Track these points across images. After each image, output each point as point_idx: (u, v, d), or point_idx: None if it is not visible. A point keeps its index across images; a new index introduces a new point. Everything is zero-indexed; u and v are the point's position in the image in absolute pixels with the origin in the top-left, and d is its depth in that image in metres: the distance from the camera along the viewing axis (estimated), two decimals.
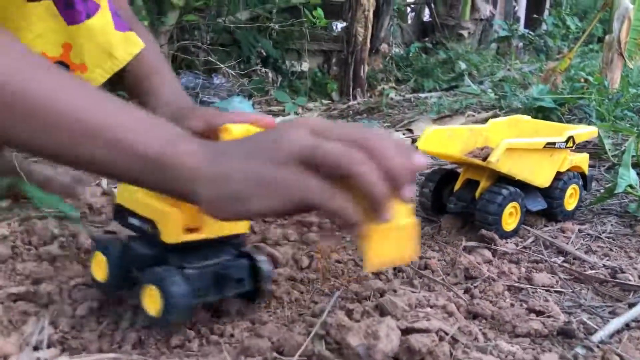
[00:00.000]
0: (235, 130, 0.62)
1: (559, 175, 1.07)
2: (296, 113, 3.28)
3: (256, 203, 0.48)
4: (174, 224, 0.64)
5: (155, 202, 0.66)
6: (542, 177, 1.04)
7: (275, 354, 0.59)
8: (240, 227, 0.71)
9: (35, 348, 0.63)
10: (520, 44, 6.56)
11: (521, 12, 7.96)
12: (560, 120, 1.97)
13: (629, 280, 0.82)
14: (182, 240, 0.64)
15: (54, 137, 0.51)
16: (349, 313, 0.73)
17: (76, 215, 0.93)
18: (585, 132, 1.09)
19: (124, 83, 0.96)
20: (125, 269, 0.67)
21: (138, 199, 0.68)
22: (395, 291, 0.76)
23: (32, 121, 0.51)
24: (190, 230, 0.65)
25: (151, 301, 0.62)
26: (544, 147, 1.01)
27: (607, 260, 0.92)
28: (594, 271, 0.87)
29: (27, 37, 0.84)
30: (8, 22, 0.82)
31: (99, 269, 0.69)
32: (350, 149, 0.46)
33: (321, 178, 0.46)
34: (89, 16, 0.88)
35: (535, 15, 6.96)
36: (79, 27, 0.87)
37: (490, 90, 3.29)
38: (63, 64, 0.86)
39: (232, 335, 0.66)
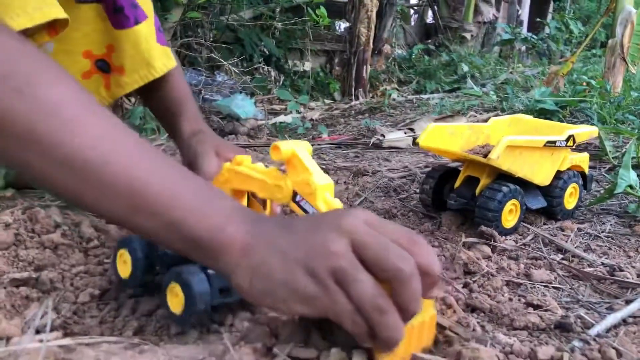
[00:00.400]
0: (284, 150, 0.64)
1: (559, 174, 1.08)
2: (298, 112, 3.29)
3: (285, 305, 0.50)
4: None
5: None
6: (542, 176, 1.05)
7: (274, 340, 0.59)
8: None
9: (37, 331, 0.64)
10: (523, 48, 6.57)
11: (524, 16, 7.97)
12: (561, 123, 1.97)
13: (627, 278, 0.83)
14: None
15: (106, 204, 0.52)
16: None
17: None
18: (585, 131, 1.09)
19: (152, 101, 1.00)
20: (149, 267, 0.68)
21: None
22: None
23: (84, 182, 0.51)
24: None
25: (174, 299, 0.62)
26: (545, 145, 1.01)
27: (606, 258, 0.92)
28: (592, 269, 0.88)
29: (74, 35, 0.87)
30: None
31: (124, 266, 0.69)
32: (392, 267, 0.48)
33: (349, 299, 0.48)
34: (137, 22, 0.92)
35: (538, 19, 6.97)
36: (126, 32, 0.91)
37: (492, 92, 3.30)
38: (105, 62, 0.90)
39: (232, 325, 0.67)
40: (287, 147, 0.65)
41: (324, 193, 0.63)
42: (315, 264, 0.48)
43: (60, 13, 0.75)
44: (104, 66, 0.91)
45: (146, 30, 0.93)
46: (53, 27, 0.78)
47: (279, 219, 0.57)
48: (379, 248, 0.49)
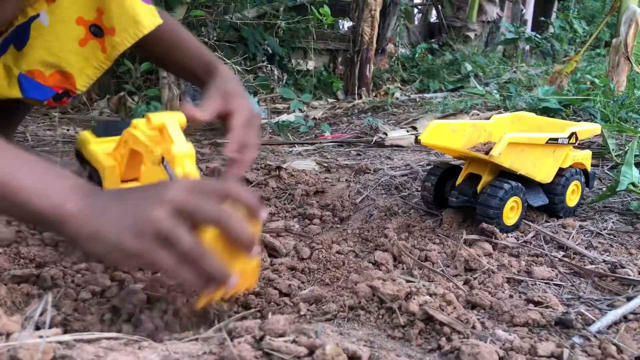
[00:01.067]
0: (154, 121, 0.77)
1: (561, 172, 1.07)
2: (301, 110, 3.29)
3: (121, 263, 0.68)
4: (111, 176, 0.86)
5: (100, 156, 0.87)
6: (544, 173, 1.04)
7: (262, 332, 0.59)
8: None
9: (37, 328, 0.64)
10: (527, 47, 6.55)
11: (528, 15, 7.95)
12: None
13: (629, 275, 0.82)
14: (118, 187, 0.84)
15: None
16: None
17: None
18: (588, 128, 1.09)
19: (153, 55, 1.06)
20: None
21: (90, 151, 0.90)
22: (394, 280, 0.76)
23: None
24: (128, 180, 0.86)
25: None
26: (547, 142, 1.01)
27: (608, 255, 0.92)
28: (593, 266, 0.87)
29: (64, 4, 0.90)
30: None
31: None
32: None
33: (172, 252, 0.60)
34: None
35: (542, 19, 6.95)
36: None
37: (495, 91, 3.29)
38: (97, 27, 0.91)
39: (229, 316, 0.67)
40: (158, 118, 0.77)
41: (183, 161, 0.75)
42: (140, 229, 0.60)
43: None
44: (97, 31, 0.92)
45: None
46: None
47: (112, 192, 0.69)
48: (195, 208, 0.61)
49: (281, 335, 0.60)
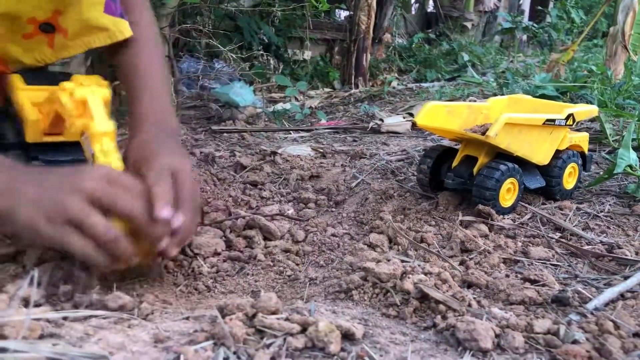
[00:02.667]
0: (77, 95, 0.76)
1: (558, 154, 1.06)
2: (297, 99, 3.27)
3: (32, 243, 0.69)
4: (34, 130, 0.84)
5: (26, 107, 0.83)
6: (541, 155, 1.03)
7: (254, 310, 0.58)
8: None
9: (25, 306, 0.63)
10: (524, 37, 6.54)
11: (526, 5, 7.92)
12: None
13: (626, 255, 0.81)
14: (40, 141, 0.83)
15: None
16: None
17: None
18: (585, 110, 1.07)
19: (118, 71, 0.98)
20: None
21: (17, 98, 0.85)
22: (389, 260, 0.76)
23: None
24: (50, 134, 0.84)
25: None
26: (544, 123, 1.00)
27: (605, 237, 0.91)
28: (590, 246, 0.86)
29: (21, 9, 0.85)
30: None
31: None
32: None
33: (81, 235, 0.63)
34: None
35: (539, 8, 6.92)
36: None
37: (492, 80, 3.28)
38: (49, 25, 0.88)
39: (224, 293, 0.66)
40: (81, 92, 0.76)
41: (102, 139, 0.74)
42: (53, 214, 0.63)
43: None
44: (47, 28, 0.90)
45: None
46: None
47: (31, 171, 0.70)
48: (109, 202, 0.65)
49: (273, 313, 0.59)
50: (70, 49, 0.91)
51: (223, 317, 0.58)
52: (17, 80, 0.86)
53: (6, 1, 0.83)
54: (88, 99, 0.77)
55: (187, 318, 0.62)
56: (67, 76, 0.86)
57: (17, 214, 0.62)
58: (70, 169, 0.70)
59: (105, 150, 0.74)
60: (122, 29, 0.93)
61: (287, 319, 0.59)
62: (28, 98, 0.85)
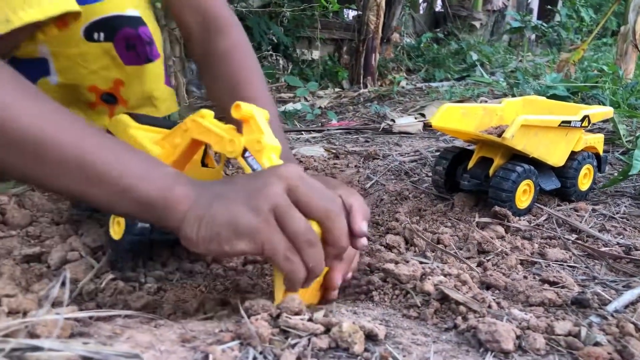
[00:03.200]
0: (244, 109, 0.70)
1: (573, 155, 1.07)
2: (306, 99, 3.28)
3: (229, 245, 0.56)
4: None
5: (145, 142, 0.78)
6: (556, 156, 1.04)
7: (278, 310, 0.59)
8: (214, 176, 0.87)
9: (53, 305, 0.64)
10: (533, 36, 6.51)
11: (534, 4, 7.89)
12: None
13: None
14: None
15: (61, 180, 0.56)
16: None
17: None
18: (600, 112, 1.08)
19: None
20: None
21: (130, 135, 0.80)
22: (407, 261, 0.76)
23: (38, 162, 0.55)
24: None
25: (116, 227, 0.77)
26: (559, 125, 1.00)
27: (621, 238, 0.91)
28: (607, 248, 0.87)
29: (80, 72, 0.89)
30: (63, 57, 0.87)
31: (118, 228, 0.77)
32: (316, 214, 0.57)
33: (285, 235, 0.55)
34: (149, 60, 0.92)
35: (548, 7, 6.89)
36: (135, 68, 0.91)
37: (502, 79, 3.27)
38: (111, 95, 0.91)
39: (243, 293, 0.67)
40: (248, 107, 0.70)
41: (271, 153, 0.69)
42: (257, 201, 0.55)
43: (73, 5, 0.74)
44: (109, 99, 0.92)
45: (157, 70, 0.93)
46: (62, 19, 0.77)
47: (217, 180, 0.66)
48: (310, 191, 0.57)
49: (297, 314, 0.60)
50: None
51: (248, 317, 0.59)
52: (127, 118, 0.82)
53: (65, 71, 0.85)
54: (255, 114, 0.72)
55: (212, 317, 0.63)
56: (167, 121, 0.85)
57: (211, 213, 0.56)
58: (258, 171, 0.65)
59: (274, 164, 0.68)
60: (174, 99, 0.97)
61: (310, 320, 0.59)
62: (145, 136, 0.80)
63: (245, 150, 0.72)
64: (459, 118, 1.05)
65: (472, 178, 1.03)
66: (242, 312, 0.58)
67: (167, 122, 0.83)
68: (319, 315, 0.60)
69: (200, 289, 0.81)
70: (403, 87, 3.72)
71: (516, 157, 1.02)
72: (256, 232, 0.54)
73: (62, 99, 0.88)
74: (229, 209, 0.55)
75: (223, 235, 0.55)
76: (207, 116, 0.77)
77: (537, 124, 0.97)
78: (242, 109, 0.71)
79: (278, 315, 0.59)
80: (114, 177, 0.56)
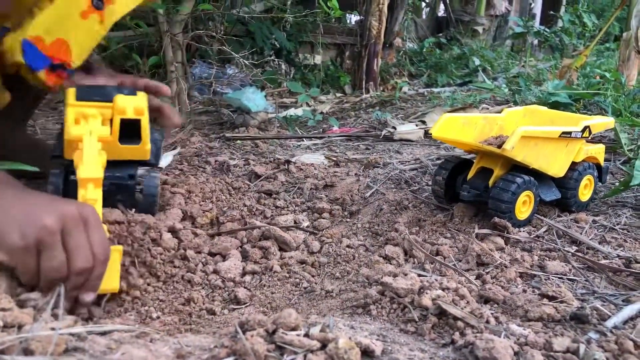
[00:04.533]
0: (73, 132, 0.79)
1: (574, 166, 1.06)
2: (308, 104, 3.28)
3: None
4: (69, 148, 0.83)
5: (67, 124, 0.83)
6: (556, 167, 1.03)
7: (274, 326, 0.59)
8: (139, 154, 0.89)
9: (49, 319, 0.63)
10: (536, 42, 6.51)
11: (537, 9, 7.89)
12: None
13: None
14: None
15: None
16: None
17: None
18: (601, 122, 1.07)
19: None
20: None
21: (65, 114, 0.85)
22: (406, 274, 0.76)
23: None
24: None
25: None
26: (560, 136, 1.00)
27: (622, 250, 0.91)
28: (607, 261, 0.86)
29: None
30: None
31: None
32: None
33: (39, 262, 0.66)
34: None
35: (551, 12, 6.89)
36: None
37: (504, 85, 3.27)
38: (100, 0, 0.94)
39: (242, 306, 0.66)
40: (77, 132, 0.81)
41: (87, 184, 0.76)
42: (28, 229, 0.65)
43: None
44: (98, 4, 0.94)
45: None
46: None
47: (17, 191, 0.73)
48: (73, 245, 0.67)
49: (293, 329, 0.60)
50: (116, 13, 0.96)
51: (243, 332, 0.59)
52: (70, 95, 0.87)
53: None
54: (84, 139, 0.79)
55: (208, 333, 0.62)
56: (120, 91, 0.89)
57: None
58: (50, 198, 0.74)
59: (89, 199, 0.75)
60: None
61: (306, 335, 0.59)
62: (74, 114, 0.85)
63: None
64: (460, 128, 1.05)
65: (471, 189, 1.03)
66: (237, 327, 0.58)
67: (107, 94, 0.88)
68: (315, 330, 0.60)
69: (199, 304, 0.80)
70: (405, 93, 3.71)
71: (516, 167, 1.02)
72: (15, 253, 0.65)
73: (62, 10, 0.90)
74: (3, 222, 0.65)
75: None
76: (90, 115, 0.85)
77: (538, 135, 0.97)
78: (70, 132, 0.80)
79: (274, 331, 0.59)
80: None
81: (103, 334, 0.60)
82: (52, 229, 0.66)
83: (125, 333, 0.61)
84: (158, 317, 0.77)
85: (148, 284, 0.82)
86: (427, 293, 0.69)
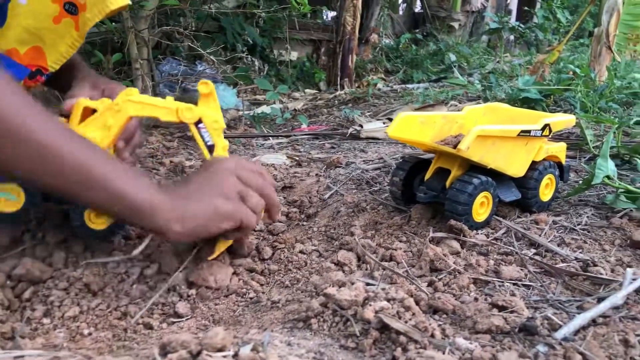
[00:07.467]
0: (211, 85, 0.87)
1: (534, 165, 1.03)
2: (281, 102, 3.23)
3: (216, 227, 0.77)
4: None
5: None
6: (516, 167, 1.00)
7: (199, 347, 0.54)
8: None
9: None
10: (512, 37, 6.53)
11: (513, 5, 7.92)
12: (544, 111, 1.92)
13: (601, 274, 0.78)
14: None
15: (62, 183, 0.68)
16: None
17: None
18: (562, 120, 1.04)
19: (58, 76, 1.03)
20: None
21: None
22: (352, 284, 0.72)
23: (41, 166, 0.67)
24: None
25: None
26: (519, 135, 0.96)
27: (580, 252, 0.88)
28: (565, 264, 0.83)
29: None
30: None
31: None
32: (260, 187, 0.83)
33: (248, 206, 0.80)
34: None
35: (526, 8, 6.92)
36: None
37: (477, 82, 3.25)
38: (72, 4, 0.94)
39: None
40: (212, 84, 0.87)
41: (222, 131, 0.88)
42: (227, 191, 0.78)
43: None
44: (71, 8, 0.94)
45: None
46: None
47: (179, 183, 0.82)
48: (249, 175, 0.82)
49: (220, 350, 0.55)
50: (89, 21, 0.97)
51: (165, 354, 0.54)
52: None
53: None
54: (214, 91, 0.87)
55: (129, 355, 0.58)
56: None
57: (192, 209, 0.74)
58: (207, 164, 0.83)
59: (221, 142, 0.87)
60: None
61: (235, 356, 0.55)
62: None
63: (199, 120, 0.86)
64: (417, 127, 1.01)
65: (428, 190, 0.99)
66: (155, 350, 0.53)
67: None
68: (245, 350, 0.56)
69: (136, 319, 0.76)
70: (379, 89, 3.68)
71: (475, 167, 0.98)
72: (233, 213, 0.77)
73: (31, 18, 0.91)
74: (206, 203, 0.75)
75: (210, 222, 0.75)
76: (135, 93, 0.86)
77: (495, 134, 0.93)
78: (209, 84, 0.86)
79: (198, 353, 0.54)
80: (108, 184, 0.70)
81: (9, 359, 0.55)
82: (236, 182, 0.79)
83: (37, 357, 0.56)
84: (90, 334, 0.72)
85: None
86: (370, 305, 0.65)
